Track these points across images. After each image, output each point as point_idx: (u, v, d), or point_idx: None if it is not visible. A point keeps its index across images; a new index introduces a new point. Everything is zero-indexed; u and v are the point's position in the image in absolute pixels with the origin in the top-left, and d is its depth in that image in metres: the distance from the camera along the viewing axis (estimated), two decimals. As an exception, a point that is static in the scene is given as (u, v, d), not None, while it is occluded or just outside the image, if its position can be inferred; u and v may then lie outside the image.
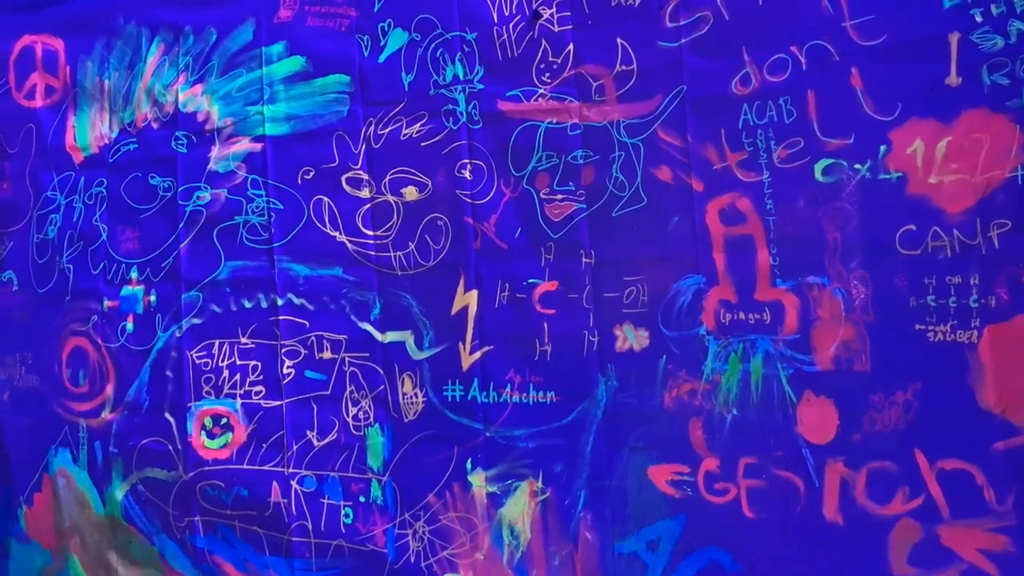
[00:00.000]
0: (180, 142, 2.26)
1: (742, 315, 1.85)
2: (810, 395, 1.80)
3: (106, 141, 2.35)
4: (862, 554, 1.77)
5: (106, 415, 2.32)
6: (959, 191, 1.68)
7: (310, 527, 2.15)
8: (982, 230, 1.66)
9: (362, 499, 2.12)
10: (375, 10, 2.11)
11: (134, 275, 2.30)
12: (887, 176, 1.73)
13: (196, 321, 2.24)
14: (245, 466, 2.20)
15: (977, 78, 1.66)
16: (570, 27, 1.96)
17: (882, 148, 1.73)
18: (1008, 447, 1.67)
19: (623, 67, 1.92)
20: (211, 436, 2.22)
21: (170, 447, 2.26)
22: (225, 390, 2.22)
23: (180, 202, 2.25)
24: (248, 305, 2.20)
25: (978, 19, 1.65)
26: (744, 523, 1.84)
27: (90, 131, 2.38)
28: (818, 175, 1.78)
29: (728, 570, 1.86)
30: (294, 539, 2.16)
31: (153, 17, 2.32)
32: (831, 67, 1.76)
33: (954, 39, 1.67)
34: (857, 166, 1.75)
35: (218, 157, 2.22)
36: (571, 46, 1.96)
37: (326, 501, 2.15)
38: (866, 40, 1.73)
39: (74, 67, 2.40)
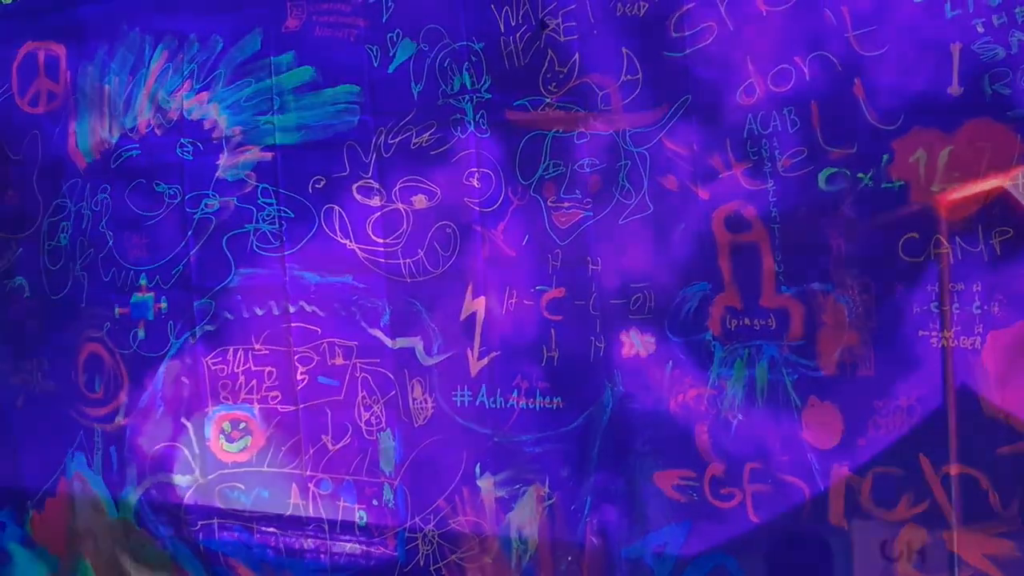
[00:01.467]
0: (185, 149, 2.27)
1: (747, 321, 1.86)
2: (815, 400, 1.81)
3: (107, 147, 2.37)
4: (868, 559, 1.78)
5: (120, 420, 2.34)
6: (961, 199, 1.69)
7: (326, 529, 2.18)
8: (984, 238, 1.67)
9: (375, 502, 2.14)
10: (383, 20, 2.12)
11: (143, 282, 2.32)
12: (890, 185, 1.74)
13: (209, 328, 2.26)
14: (265, 468, 2.22)
15: (979, 88, 1.66)
16: (576, 37, 1.97)
17: (885, 157, 1.74)
18: (1013, 452, 1.68)
19: (628, 77, 1.93)
20: (230, 440, 2.25)
21: (186, 451, 2.29)
22: (242, 395, 2.24)
23: (188, 209, 2.27)
24: (260, 312, 2.22)
25: (980, 29, 1.66)
26: (750, 528, 1.86)
27: (91, 137, 2.38)
28: (822, 184, 1.79)
29: (733, 575, 1.88)
30: (310, 540, 2.19)
31: (157, 24, 2.32)
32: (834, 77, 1.77)
33: (956, 49, 1.68)
34: (860, 175, 1.76)
35: (227, 165, 2.24)
36: (577, 56, 1.97)
37: (342, 504, 2.17)
38: (869, 50, 1.74)
39: (75, 72, 2.40)
